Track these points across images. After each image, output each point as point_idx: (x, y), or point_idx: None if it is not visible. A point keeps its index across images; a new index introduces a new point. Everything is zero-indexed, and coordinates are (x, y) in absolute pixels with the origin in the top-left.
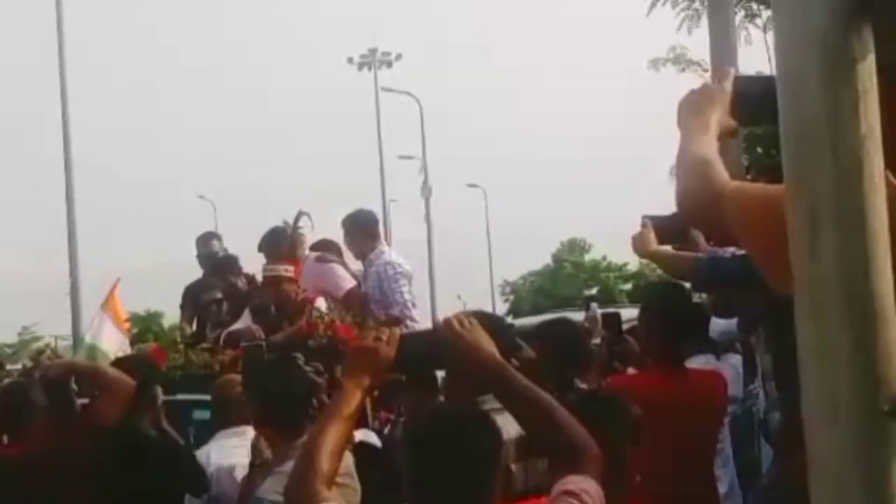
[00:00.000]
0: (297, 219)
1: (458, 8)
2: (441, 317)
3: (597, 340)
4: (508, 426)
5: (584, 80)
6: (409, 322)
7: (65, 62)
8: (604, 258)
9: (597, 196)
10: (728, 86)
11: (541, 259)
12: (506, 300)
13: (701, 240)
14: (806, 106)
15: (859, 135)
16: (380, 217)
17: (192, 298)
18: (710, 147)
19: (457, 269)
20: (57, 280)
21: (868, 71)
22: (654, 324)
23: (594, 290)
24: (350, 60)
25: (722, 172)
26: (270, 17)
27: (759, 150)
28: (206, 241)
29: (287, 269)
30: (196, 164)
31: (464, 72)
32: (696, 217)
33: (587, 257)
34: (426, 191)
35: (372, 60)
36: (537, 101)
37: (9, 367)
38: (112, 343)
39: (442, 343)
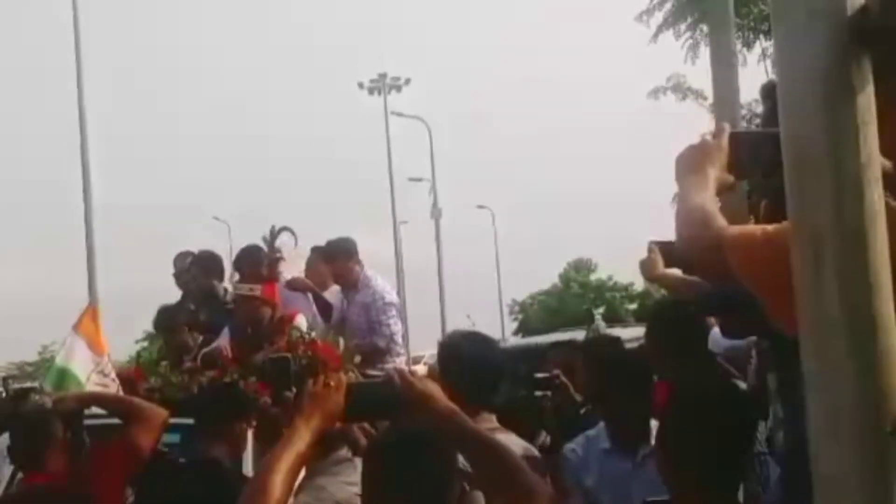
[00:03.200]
0: (275, 235)
1: (466, 34)
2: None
3: None
4: (514, 446)
5: (588, 103)
6: (394, 354)
7: (83, 84)
8: (610, 278)
9: (602, 217)
10: (724, 141)
11: (548, 279)
12: (514, 319)
13: None
14: (807, 136)
15: (859, 164)
16: (391, 238)
17: (167, 320)
18: (710, 200)
19: (466, 288)
20: (76, 301)
21: (867, 102)
22: (658, 341)
23: (601, 310)
24: (360, 85)
25: (721, 221)
26: (282, 42)
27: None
28: (183, 260)
29: (252, 289)
30: (211, 186)
31: (471, 95)
32: (699, 265)
33: (593, 277)
34: (436, 212)
35: (382, 85)
36: (542, 123)
37: (28, 384)
38: (84, 366)
39: (391, 393)
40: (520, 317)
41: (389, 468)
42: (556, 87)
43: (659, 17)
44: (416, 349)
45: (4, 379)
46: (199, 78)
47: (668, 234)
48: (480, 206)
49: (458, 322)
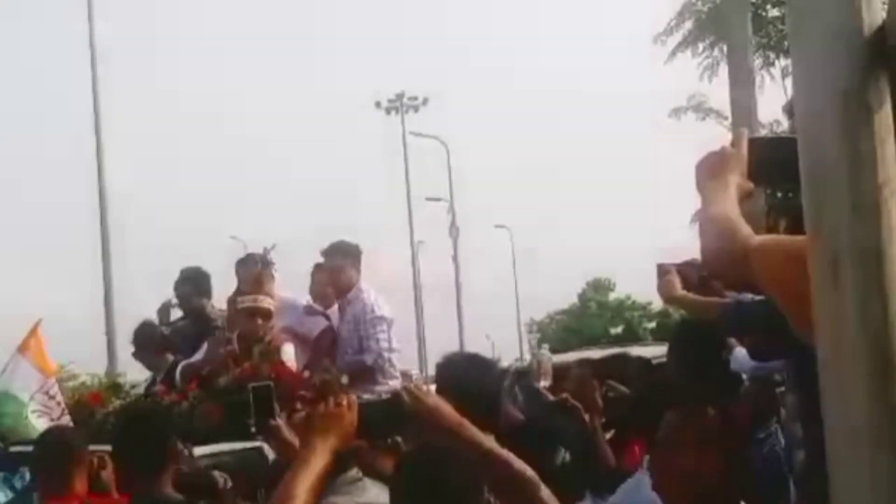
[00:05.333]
0: (269, 250)
1: (483, 54)
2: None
3: (545, 383)
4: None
5: (608, 122)
6: (385, 371)
7: (99, 107)
8: (628, 297)
9: (621, 236)
10: (743, 149)
11: (567, 298)
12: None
13: (717, 284)
14: (825, 153)
15: (877, 181)
16: (409, 258)
17: (140, 339)
18: (732, 208)
19: (484, 308)
20: (93, 319)
21: (885, 120)
22: (679, 362)
23: (619, 329)
24: (378, 105)
25: (745, 229)
26: (300, 62)
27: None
28: (165, 311)
29: (258, 300)
30: (228, 207)
31: (489, 115)
32: (723, 274)
33: (612, 296)
34: (454, 232)
35: (399, 105)
36: (561, 143)
37: None
38: (27, 386)
39: (400, 410)
40: (538, 336)
41: (416, 486)
42: (575, 108)
43: (678, 36)
44: (434, 369)
45: None
46: (217, 97)
47: (683, 255)
48: (498, 226)
49: (477, 342)
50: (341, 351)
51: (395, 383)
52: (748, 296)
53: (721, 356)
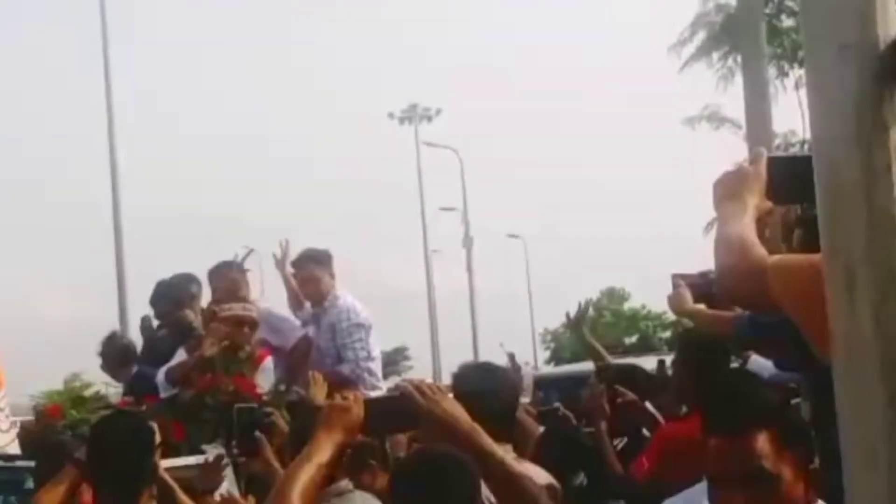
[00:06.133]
0: (244, 257)
1: (495, 64)
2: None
3: (525, 399)
4: (535, 475)
5: (621, 131)
6: (364, 380)
7: (112, 108)
8: (643, 307)
9: (635, 246)
10: (762, 167)
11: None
12: (546, 348)
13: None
14: (840, 168)
15: (892, 195)
16: (422, 268)
17: (111, 350)
18: (748, 228)
19: (498, 318)
20: (106, 327)
21: None
22: (683, 372)
23: (634, 338)
24: (391, 115)
25: (761, 249)
26: (313, 75)
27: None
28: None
29: (246, 308)
30: (240, 213)
31: (502, 125)
32: (737, 294)
33: (626, 305)
34: (468, 241)
35: (413, 115)
36: (574, 153)
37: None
38: None
39: (409, 408)
40: (552, 345)
41: (416, 490)
42: (589, 118)
43: (691, 47)
44: (449, 378)
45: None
46: (234, 104)
47: (698, 264)
48: (512, 236)
49: (491, 351)
50: (319, 361)
51: (377, 393)
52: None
53: (725, 366)
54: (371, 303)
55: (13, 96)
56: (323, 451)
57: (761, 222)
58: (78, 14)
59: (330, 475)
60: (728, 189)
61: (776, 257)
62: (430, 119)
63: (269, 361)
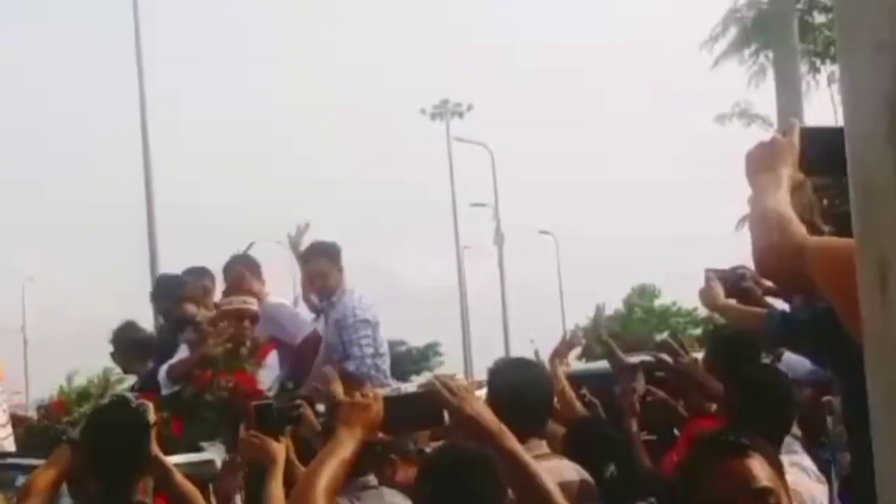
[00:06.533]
0: (246, 249)
1: (528, 59)
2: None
3: None
4: (567, 471)
5: (653, 128)
6: (371, 378)
7: (146, 106)
8: (674, 303)
9: (666, 242)
10: (795, 138)
11: (612, 304)
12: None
13: (759, 293)
14: (873, 165)
15: None
16: (454, 264)
17: (124, 341)
18: (784, 202)
19: (529, 314)
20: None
21: None
22: (717, 370)
23: (664, 335)
24: (423, 111)
25: (800, 227)
26: (346, 69)
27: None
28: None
29: (247, 301)
30: (272, 210)
31: (533, 121)
32: (774, 271)
33: (657, 302)
34: (499, 238)
35: (444, 111)
36: (606, 149)
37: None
38: None
39: (432, 405)
40: (583, 342)
41: (442, 487)
42: (620, 113)
43: (723, 43)
44: (480, 374)
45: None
46: (266, 100)
47: (729, 261)
48: (543, 232)
49: (522, 347)
50: (326, 358)
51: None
52: (782, 307)
53: (755, 363)
54: (401, 299)
55: (40, 96)
56: (344, 447)
57: (794, 194)
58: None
59: (351, 471)
60: (762, 161)
61: (816, 238)
62: (461, 115)
63: (272, 357)
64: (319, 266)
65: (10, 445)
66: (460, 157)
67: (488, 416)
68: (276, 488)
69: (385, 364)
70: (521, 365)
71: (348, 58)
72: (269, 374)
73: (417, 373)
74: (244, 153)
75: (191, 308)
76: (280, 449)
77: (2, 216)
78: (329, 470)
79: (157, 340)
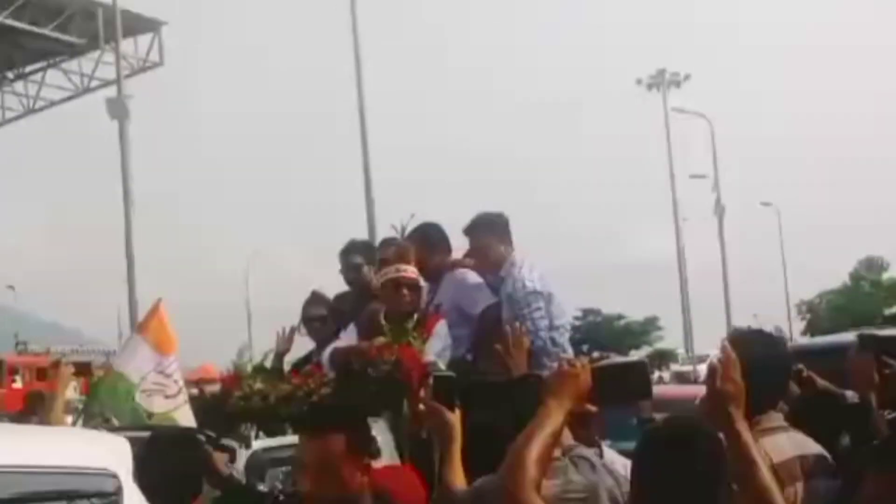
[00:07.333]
0: (408, 222)
1: (747, 29)
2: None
3: None
4: (787, 446)
5: (878, 99)
6: (548, 352)
7: (362, 83)
8: None
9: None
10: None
11: (838, 277)
12: (802, 319)
13: None
14: None
15: None
16: (672, 237)
17: (311, 309)
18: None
19: (751, 288)
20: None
21: None
22: None
23: (894, 309)
24: (639, 82)
25: None
26: (562, 42)
27: None
28: (346, 255)
29: (401, 269)
30: (487, 185)
31: (753, 91)
32: None
33: (885, 276)
34: (719, 210)
35: (661, 81)
36: (830, 120)
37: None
38: (141, 367)
39: (638, 378)
40: (808, 316)
41: (664, 459)
42: (844, 83)
43: None
44: (701, 348)
45: None
46: (475, 71)
47: None
48: (765, 203)
49: (744, 322)
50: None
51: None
52: None
53: None
54: (620, 272)
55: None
56: (554, 419)
57: None
58: None
59: (558, 442)
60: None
61: None
62: (678, 84)
63: (441, 326)
64: (479, 240)
65: (182, 414)
66: (677, 127)
67: (738, 405)
68: (456, 461)
69: (563, 337)
70: (761, 336)
71: (566, 27)
72: (438, 342)
73: (637, 347)
74: (462, 126)
75: (369, 274)
76: (458, 422)
77: (230, 192)
78: (540, 441)
79: (341, 305)
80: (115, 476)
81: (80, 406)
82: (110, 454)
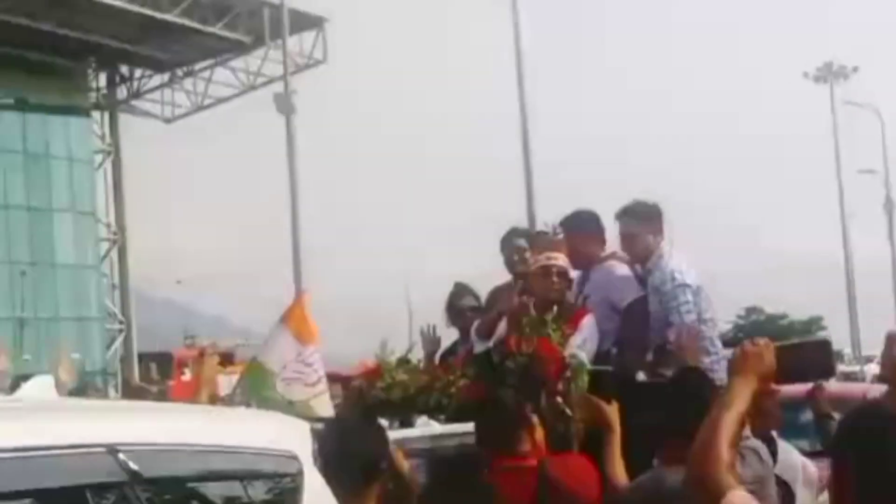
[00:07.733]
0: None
1: None
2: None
3: None
4: None
5: None
6: (704, 348)
7: (522, 62)
8: None
9: None
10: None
11: None
12: None
13: None
14: None
15: None
16: (838, 233)
17: (450, 306)
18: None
19: None
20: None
21: None
22: None
23: None
24: (806, 75)
25: None
26: (728, 40)
27: None
28: (509, 240)
29: (551, 257)
30: (647, 167)
31: None
32: None
33: None
34: (889, 205)
35: (828, 74)
36: None
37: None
38: (281, 356)
39: (821, 358)
40: None
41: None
42: None
43: None
44: (868, 349)
45: None
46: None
47: None
48: None
49: None
50: (650, 325)
51: (711, 361)
52: None
53: None
54: (780, 270)
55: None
56: (741, 398)
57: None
58: None
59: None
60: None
61: None
62: (846, 77)
63: (588, 319)
64: (627, 227)
65: (320, 403)
66: (844, 120)
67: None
68: (616, 453)
69: (712, 331)
70: None
71: (729, 20)
72: (585, 335)
73: None
74: (617, 109)
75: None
76: (617, 415)
77: (391, 193)
78: (730, 421)
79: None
80: (296, 458)
81: (226, 396)
82: (293, 437)
